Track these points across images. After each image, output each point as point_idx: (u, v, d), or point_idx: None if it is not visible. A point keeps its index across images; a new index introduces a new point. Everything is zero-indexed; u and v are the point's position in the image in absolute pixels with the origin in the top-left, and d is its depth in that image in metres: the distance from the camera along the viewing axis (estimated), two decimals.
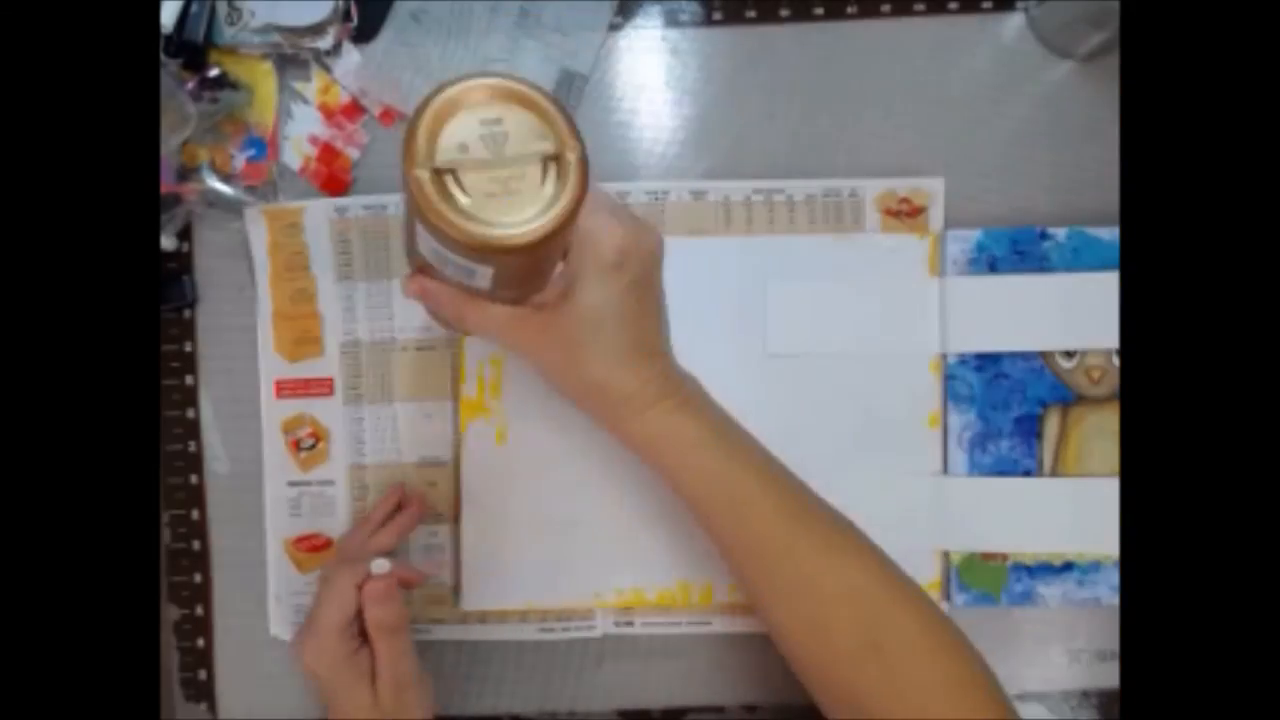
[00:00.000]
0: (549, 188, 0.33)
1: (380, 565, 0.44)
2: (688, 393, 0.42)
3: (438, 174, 0.32)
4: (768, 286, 0.51)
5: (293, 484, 0.53)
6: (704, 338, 0.50)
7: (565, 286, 0.39)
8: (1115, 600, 0.51)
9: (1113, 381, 0.51)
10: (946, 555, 0.51)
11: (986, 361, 0.51)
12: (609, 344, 0.40)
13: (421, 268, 0.39)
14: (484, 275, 0.36)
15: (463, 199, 0.32)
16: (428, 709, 0.46)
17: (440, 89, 0.33)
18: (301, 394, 0.52)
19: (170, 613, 0.54)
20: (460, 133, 0.33)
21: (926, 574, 0.51)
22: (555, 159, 0.33)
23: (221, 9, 0.51)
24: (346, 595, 0.44)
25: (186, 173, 0.52)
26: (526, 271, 0.37)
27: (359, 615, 0.44)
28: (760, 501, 0.42)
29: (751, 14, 0.53)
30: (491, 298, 0.39)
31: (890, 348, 0.51)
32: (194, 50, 0.50)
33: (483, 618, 0.52)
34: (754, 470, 0.42)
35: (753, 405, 0.50)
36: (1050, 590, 0.51)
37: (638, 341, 0.41)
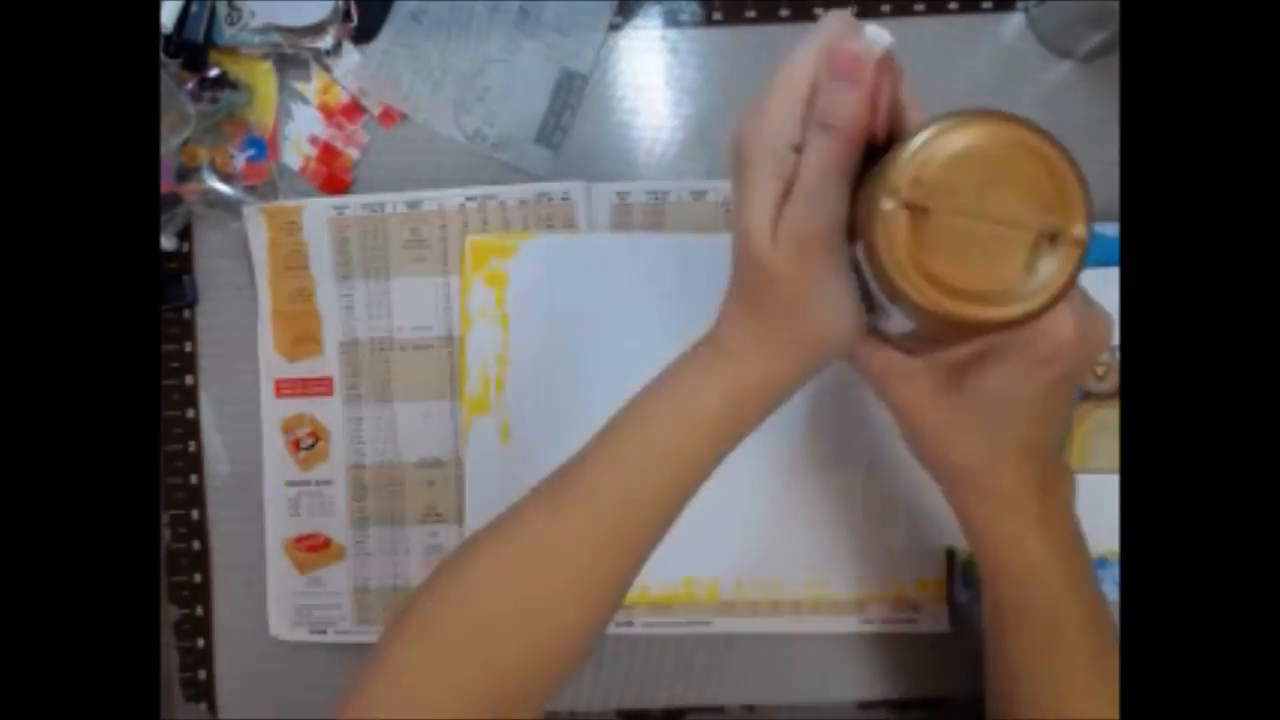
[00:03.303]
0: (1033, 263, 0.28)
1: (879, 36, 0.30)
2: (1054, 511, 0.36)
3: (909, 207, 0.28)
4: None
5: (291, 484, 0.53)
6: None
7: (975, 356, 0.33)
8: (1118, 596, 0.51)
9: (1118, 377, 0.51)
10: (952, 552, 0.51)
11: None
12: (997, 437, 0.35)
13: None
14: (901, 323, 0.31)
15: (923, 246, 0.28)
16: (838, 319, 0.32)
17: (946, 118, 0.29)
18: (301, 393, 0.52)
19: (170, 613, 0.54)
20: (949, 169, 0.28)
21: (932, 572, 0.51)
22: (1053, 235, 0.28)
23: (221, 9, 0.51)
24: (812, 59, 0.32)
25: (186, 173, 0.52)
26: (954, 339, 0.33)
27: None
28: (1078, 669, 0.37)
29: (751, 14, 0.53)
30: (891, 339, 0.34)
31: None
32: (194, 50, 0.50)
33: None
34: (1087, 632, 0.37)
35: None
36: None
37: (1029, 441, 0.35)
